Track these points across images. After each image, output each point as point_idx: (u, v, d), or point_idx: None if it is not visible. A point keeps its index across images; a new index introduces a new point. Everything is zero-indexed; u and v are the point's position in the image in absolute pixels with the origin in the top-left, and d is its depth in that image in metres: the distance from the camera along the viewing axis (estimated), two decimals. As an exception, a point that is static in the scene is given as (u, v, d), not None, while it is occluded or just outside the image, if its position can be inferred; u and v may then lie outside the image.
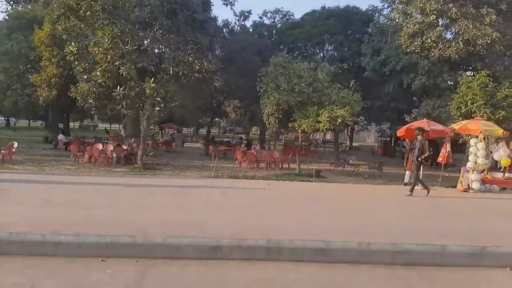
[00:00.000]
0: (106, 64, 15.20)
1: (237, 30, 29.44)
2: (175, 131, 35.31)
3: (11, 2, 39.64)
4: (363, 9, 30.90)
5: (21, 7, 34.08)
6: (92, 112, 43.19)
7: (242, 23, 35.52)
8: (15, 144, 17.29)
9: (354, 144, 43.15)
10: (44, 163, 16.11)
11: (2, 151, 16.42)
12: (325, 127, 14.33)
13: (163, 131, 40.75)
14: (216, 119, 48.68)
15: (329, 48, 29.83)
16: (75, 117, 47.25)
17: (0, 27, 26.94)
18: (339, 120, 14.13)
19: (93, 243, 5.35)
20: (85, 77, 17.56)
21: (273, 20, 41.31)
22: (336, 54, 27.80)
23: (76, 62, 14.98)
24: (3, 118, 68.08)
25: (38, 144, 26.81)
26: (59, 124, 29.62)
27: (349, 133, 40.36)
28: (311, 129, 15.13)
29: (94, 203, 7.33)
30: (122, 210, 6.90)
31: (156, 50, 17.22)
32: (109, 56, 14.10)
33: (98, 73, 15.53)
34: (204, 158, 22.95)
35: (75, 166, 15.92)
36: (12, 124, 59.75)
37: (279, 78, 15.14)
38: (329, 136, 39.64)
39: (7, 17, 28.49)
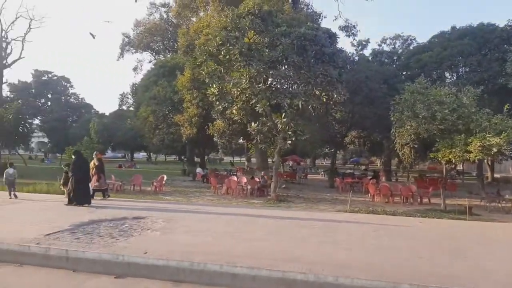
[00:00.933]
0: (241, 103, 16.40)
1: (356, 59, 29.13)
2: (295, 163, 35.73)
3: (154, 54, 46.62)
4: (501, 26, 27.53)
5: (163, 57, 39.71)
6: (219, 147, 46.95)
7: (361, 52, 35.13)
8: (165, 177, 19.57)
9: (496, 175, 37.58)
10: (189, 194, 17.75)
11: (154, 184, 18.72)
12: (477, 157, 12.71)
13: (284, 163, 41.76)
14: (339, 150, 48.06)
15: (465, 70, 27.11)
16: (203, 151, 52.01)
17: (148, 75, 31.64)
18: (494, 149, 12.42)
19: (265, 277, 5.50)
20: (220, 115, 19.20)
21: (393, 46, 39.82)
22: (474, 77, 25.06)
23: (217, 102, 16.44)
24: (145, 154, 78.73)
25: (177, 176, 29.94)
26: (195, 158, 32.84)
27: (489, 163, 35.41)
28: (459, 160, 13.58)
29: (252, 235, 7.63)
30: (280, 243, 7.02)
31: (284, 86, 17.93)
32: (246, 95, 15.15)
33: (234, 111, 16.81)
34: (330, 190, 22.64)
35: (216, 197, 17.15)
36: (152, 158, 68.73)
37: (417, 105, 14.16)
38: (461, 166, 35.39)
39: (153, 66, 33.47)
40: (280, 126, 15.59)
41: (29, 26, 37.55)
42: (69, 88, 77.41)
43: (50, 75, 74.77)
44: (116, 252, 6.02)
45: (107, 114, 69.24)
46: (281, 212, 11.81)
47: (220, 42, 15.46)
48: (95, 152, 15.23)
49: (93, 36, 25.93)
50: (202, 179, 24.67)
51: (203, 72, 16.56)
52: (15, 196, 12.81)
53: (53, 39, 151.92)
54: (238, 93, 15.81)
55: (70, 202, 11.49)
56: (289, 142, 16.10)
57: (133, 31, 44.56)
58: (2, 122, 25.13)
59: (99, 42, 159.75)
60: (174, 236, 7.33)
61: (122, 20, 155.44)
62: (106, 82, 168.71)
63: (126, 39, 45.03)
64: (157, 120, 28.14)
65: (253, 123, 16.21)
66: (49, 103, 70.11)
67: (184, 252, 6.01)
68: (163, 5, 42.66)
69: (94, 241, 6.67)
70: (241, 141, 35.66)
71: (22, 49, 55.76)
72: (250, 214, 10.70)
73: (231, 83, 15.63)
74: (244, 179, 19.14)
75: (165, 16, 42.71)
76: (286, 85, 18.07)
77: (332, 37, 18.96)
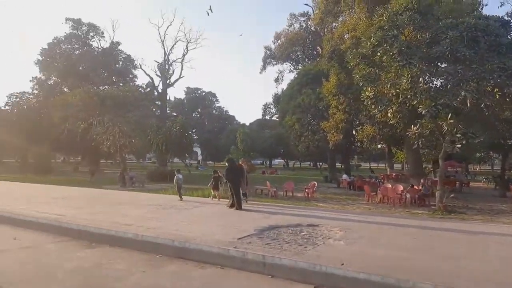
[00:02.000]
0: (397, 105, 15.24)
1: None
2: (453, 169, 31.83)
3: (293, 63, 47.96)
4: None
5: (302, 66, 40.51)
6: (356, 153, 45.26)
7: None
8: (315, 184, 19.60)
9: None
10: (341, 202, 17.32)
11: (306, 190, 18.88)
12: None
13: (435, 170, 37.83)
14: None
15: None
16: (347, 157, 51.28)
17: (292, 84, 32.54)
18: None
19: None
20: (369, 120, 18.24)
21: None
22: None
23: (372, 106, 15.67)
24: (281, 160, 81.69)
25: (320, 183, 29.85)
26: (336, 164, 32.36)
27: None
28: None
29: (449, 251, 6.79)
30: (490, 263, 6.03)
31: (450, 84, 16.04)
32: (408, 96, 14.01)
33: (389, 114, 15.74)
34: (502, 200, 19.59)
35: (370, 205, 16.32)
36: (290, 165, 70.84)
37: None
38: None
39: (295, 75, 34.37)
40: (446, 128, 13.94)
41: (187, 48, 42.92)
42: (215, 102, 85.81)
43: (199, 92, 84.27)
44: (310, 260, 5.99)
45: (247, 124, 74.34)
46: (463, 225, 10.38)
47: (376, 43, 14.72)
48: (241, 159, 16.88)
49: (211, 10, 26.66)
50: (349, 186, 23.96)
51: (357, 76, 15.99)
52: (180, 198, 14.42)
53: (202, 57, 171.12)
54: (396, 94, 14.74)
55: (232, 206, 12.22)
56: (458, 146, 14.25)
57: (273, 43, 46.82)
58: (170, 135, 29.04)
59: (242, 57, 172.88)
60: (360, 247, 6.99)
61: (263, 34, 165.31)
62: (247, 94, 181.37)
63: (268, 52, 47.50)
64: (302, 128, 28.64)
65: (412, 126, 14.91)
66: (202, 116, 78.91)
67: (382, 267, 5.61)
68: (302, 15, 43.73)
69: (284, 248, 6.81)
70: (379, 146, 33.66)
71: (182, 69, 63.23)
72: (429, 226, 9.67)
73: (389, 85, 14.69)
74: (400, 187, 17.77)
75: (304, 25, 43.73)
76: (451, 83, 16.19)
77: (506, 25, 16.36)
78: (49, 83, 54.33)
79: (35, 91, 54.72)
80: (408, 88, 13.93)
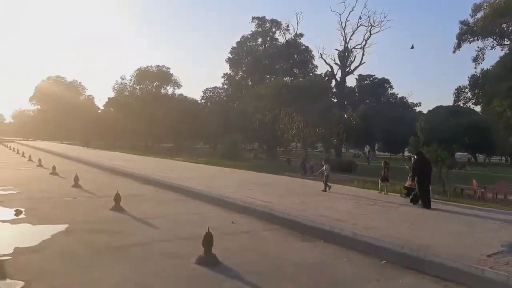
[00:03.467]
0: None
1: None
2: None
3: (497, 38, 39.97)
4: None
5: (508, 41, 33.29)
6: None
7: None
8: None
9: None
10: None
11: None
12: None
13: None
14: None
15: None
16: None
17: (503, 61, 26.82)
18: None
19: None
20: None
21: None
22: None
23: None
24: (464, 154, 70.58)
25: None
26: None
27: None
28: None
29: None
30: None
31: None
32: None
33: None
34: None
35: None
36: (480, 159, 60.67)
37: None
38: None
39: (507, 51, 28.30)
40: None
41: (369, 32, 40.80)
42: (389, 89, 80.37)
43: (372, 78, 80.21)
44: None
45: (425, 111, 66.76)
46: None
47: None
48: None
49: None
50: None
51: None
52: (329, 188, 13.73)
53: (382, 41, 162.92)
54: None
55: (413, 201, 11.12)
56: None
57: (471, 17, 39.88)
58: (351, 125, 28.10)
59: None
60: None
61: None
62: (425, 77, 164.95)
63: (464, 27, 40.77)
64: (517, 115, 23.29)
65: None
66: (374, 104, 75.00)
67: None
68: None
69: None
70: None
71: (363, 55, 60.70)
72: None
73: None
74: None
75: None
76: None
77: None
78: (236, 78, 60.74)
79: (225, 86, 62.29)
80: None
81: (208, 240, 5.61)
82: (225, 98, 64.03)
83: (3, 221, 7.98)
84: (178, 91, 70.83)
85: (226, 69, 67.24)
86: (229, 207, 10.61)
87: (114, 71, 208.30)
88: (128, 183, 15.71)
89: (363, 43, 41.89)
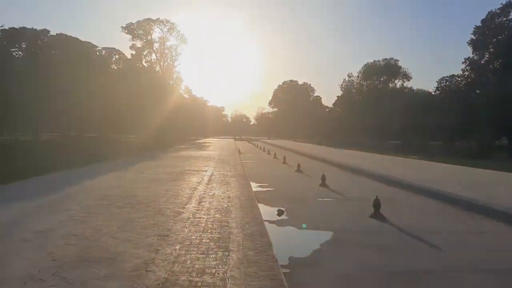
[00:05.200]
0: None
1: None
2: None
3: None
4: None
5: None
6: None
7: None
8: None
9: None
10: None
11: None
12: None
13: None
14: None
15: None
16: None
17: None
18: None
19: None
20: None
21: None
22: None
23: None
24: None
25: None
26: None
27: None
28: None
29: None
30: None
31: None
32: None
33: None
34: None
35: None
36: None
37: None
38: None
39: None
40: None
41: None
42: None
43: None
44: None
45: None
46: None
47: None
48: None
49: None
50: None
51: None
52: None
53: None
54: None
55: None
56: None
57: None
58: None
59: None
60: None
61: None
62: None
63: None
64: None
65: None
66: None
67: None
68: None
69: None
70: None
71: None
72: None
73: None
74: None
75: None
76: None
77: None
78: (481, 62, 50.96)
79: (466, 73, 53.10)
80: None
81: None
82: (463, 88, 54.86)
83: (270, 221, 8.06)
84: (408, 84, 65.86)
85: (468, 53, 57.59)
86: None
87: (338, 69, 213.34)
88: (371, 184, 14.52)
89: None
